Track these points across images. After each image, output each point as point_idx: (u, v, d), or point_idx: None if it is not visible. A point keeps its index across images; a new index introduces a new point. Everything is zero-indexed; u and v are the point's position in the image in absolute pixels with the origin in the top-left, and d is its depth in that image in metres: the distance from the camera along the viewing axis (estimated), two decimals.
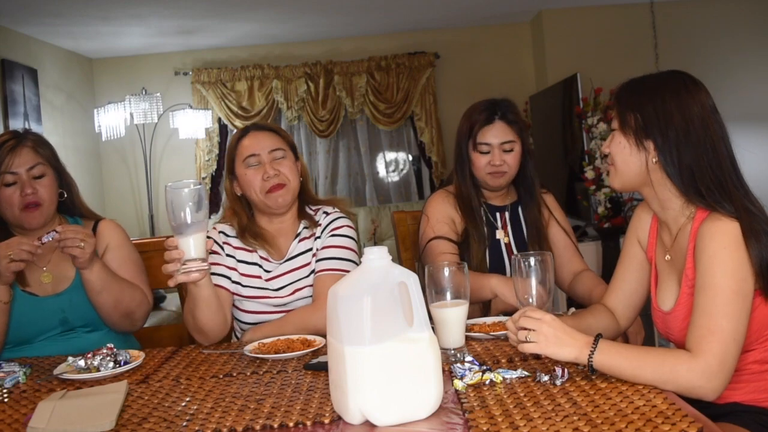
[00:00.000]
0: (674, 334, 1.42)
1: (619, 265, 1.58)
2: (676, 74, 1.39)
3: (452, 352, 1.45)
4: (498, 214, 2.14)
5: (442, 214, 2.10)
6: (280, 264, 1.91)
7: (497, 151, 2.04)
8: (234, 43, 6.07)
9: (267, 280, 1.89)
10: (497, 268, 2.10)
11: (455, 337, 1.45)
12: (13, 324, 1.80)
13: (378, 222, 6.05)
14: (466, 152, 2.10)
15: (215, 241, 1.91)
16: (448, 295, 1.47)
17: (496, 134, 2.05)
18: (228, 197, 1.96)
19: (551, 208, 2.18)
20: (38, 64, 5.22)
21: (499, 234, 2.12)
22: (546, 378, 1.27)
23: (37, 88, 5.15)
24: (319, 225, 1.93)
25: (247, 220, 1.92)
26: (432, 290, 1.48)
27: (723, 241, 1.27)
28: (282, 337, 1.71)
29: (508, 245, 2.13)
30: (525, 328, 1.31)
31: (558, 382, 1.26)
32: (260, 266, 1.90)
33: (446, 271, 1.47)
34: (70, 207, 1.99)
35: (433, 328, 1.51)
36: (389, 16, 5.67)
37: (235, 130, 6.18)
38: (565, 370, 1.28)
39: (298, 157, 1.98)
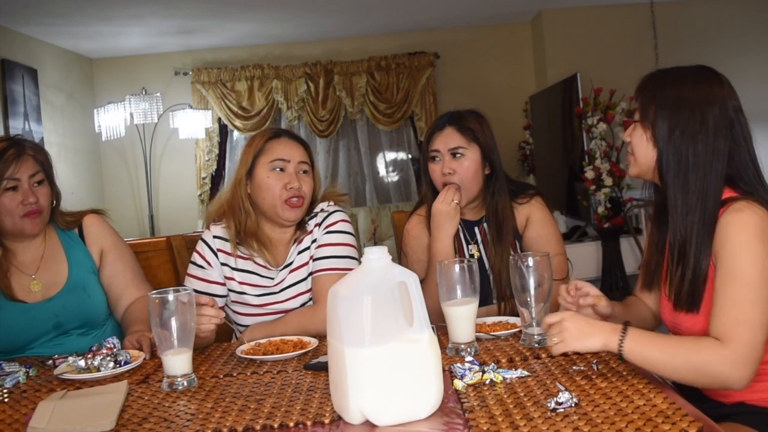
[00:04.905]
0: (682, 326, 1.42)
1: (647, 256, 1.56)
2: (701, 70, 1.39)
3: (463, 346, 1.49)
4: (476, 228, 2.06)
5: (420, 252, 2.04)
6: (280, 270, 1.90)
7: (447, 158, 1.96)
8: (234, 43, 6.07)
9: (269, 287, 1.88)
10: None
11: (466, 333, 1.49)
12: (5, 333, 1.79)
13: (378, 222, 6.05)
14: (425, 167, 2.03)
15: (210, 248, 1.90)
16: (459, 293, 1.50)
17: (444, 140, 1.97)
18: (234, 196, 1.88)
19: (532, 212, 2.05)
20: (38, 64, 5.22)
21: (472, 249, 2.04)
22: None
23: (37, 88, 5.15)
24: (317, 225, 1.92)
25: (250, 222, 1.87)
26: (443, 288, 1.51)
27: (747, 232, 1.26)
28: (276, 338, 1.71)
29: (480, 259, 2.03)
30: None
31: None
32: (258, 274, 1.89)
33: (457, 269, 1.50)
34: (54, 216, 1.94)
35: (444, 326, 1.53)
36: (389, 16, 5.67)
37: (235, 130, 6.19)
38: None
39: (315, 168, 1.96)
